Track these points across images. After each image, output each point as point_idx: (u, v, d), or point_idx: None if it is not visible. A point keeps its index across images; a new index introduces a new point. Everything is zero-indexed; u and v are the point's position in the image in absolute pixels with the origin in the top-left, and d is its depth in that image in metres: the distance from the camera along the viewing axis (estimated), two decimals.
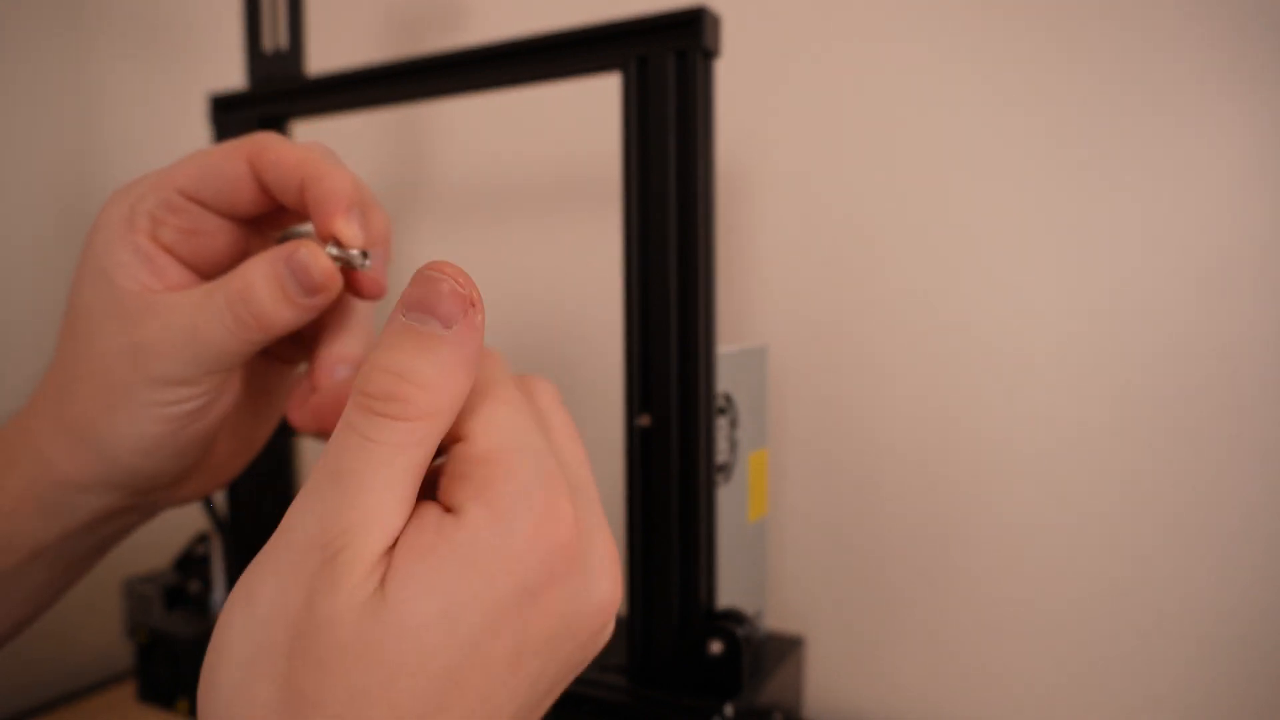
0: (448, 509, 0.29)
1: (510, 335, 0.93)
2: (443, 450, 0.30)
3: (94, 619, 0.89)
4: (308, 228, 0.43)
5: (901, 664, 0.75)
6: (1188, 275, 0.64)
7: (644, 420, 0.51)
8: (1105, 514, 0.67)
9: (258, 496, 0.66)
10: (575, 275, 0.88)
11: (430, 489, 0.30)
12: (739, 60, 0.78)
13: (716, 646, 0.49)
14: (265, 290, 0.35)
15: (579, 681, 0.52)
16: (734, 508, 0.59)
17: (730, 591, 0.58)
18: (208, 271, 0.39)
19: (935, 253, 0.72)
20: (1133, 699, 0.67)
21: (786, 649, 0.63)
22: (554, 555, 0.28)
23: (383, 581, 0.26)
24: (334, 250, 0.36)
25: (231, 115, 0.66)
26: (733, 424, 0.59)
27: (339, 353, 0.40)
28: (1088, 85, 0.66)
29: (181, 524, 0.96)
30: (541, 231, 0.90)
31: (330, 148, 0.39)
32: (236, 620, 0.26)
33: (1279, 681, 0.63)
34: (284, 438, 0.65)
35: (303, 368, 0.43)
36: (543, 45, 0.53)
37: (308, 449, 0.77)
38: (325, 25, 1.02)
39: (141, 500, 0.41)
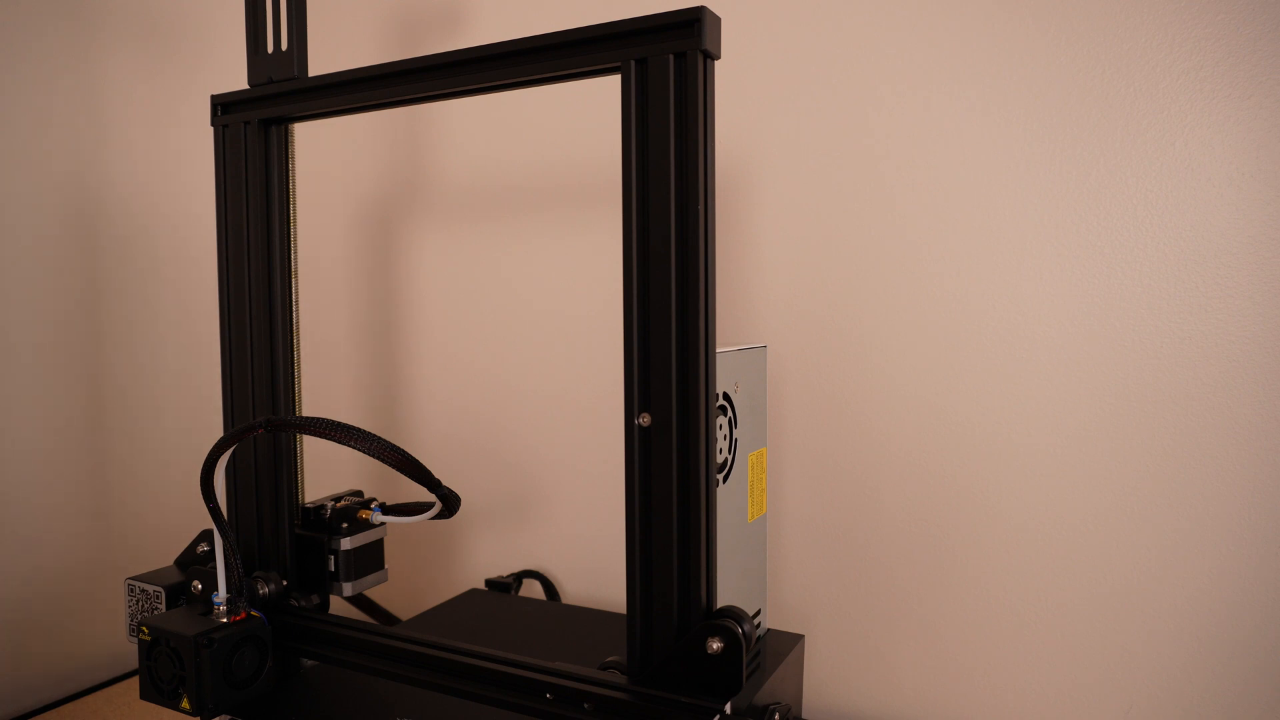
0: None
1: (511, 335, 0.93)
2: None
3: (97, 617, 0.89)
4: None
5: (901, 661, 0.76)
6: (1186, 276, 0.64)
7: (644, 420, 0.51)
8: (1105, 513, 0.67)
9: (258, 496, 0.66)
10: (575, 275, 0.88)
11: None
12: (740, 61, 0.78)
13: (716, 645, 0.50)
14: None
15: (579, 680, 0.53)
16: (733, 507, 0.59)
17: (730, 590, 0.58)
18: None
19: (936, 254, 0.72)
20: (1132, 698, 0.67)
21: (786, 646, 0.63)
22: None
23: None
24: None
25: (232, 115, 0.66)
26: (732, 423, 0.59)
27: None
28: (1086, 88, 0.66)
29: (183, 523, 0.96)
30: (541, 232, 0.90)
31: None
32: None
33: (1278, 681, 0.63)
34: (285, 438, 0.65)
35: None
36: (543, 46, 0.54)
37: (308, 449, 0.77)
38: (325, 26, 1.02)
39: None
